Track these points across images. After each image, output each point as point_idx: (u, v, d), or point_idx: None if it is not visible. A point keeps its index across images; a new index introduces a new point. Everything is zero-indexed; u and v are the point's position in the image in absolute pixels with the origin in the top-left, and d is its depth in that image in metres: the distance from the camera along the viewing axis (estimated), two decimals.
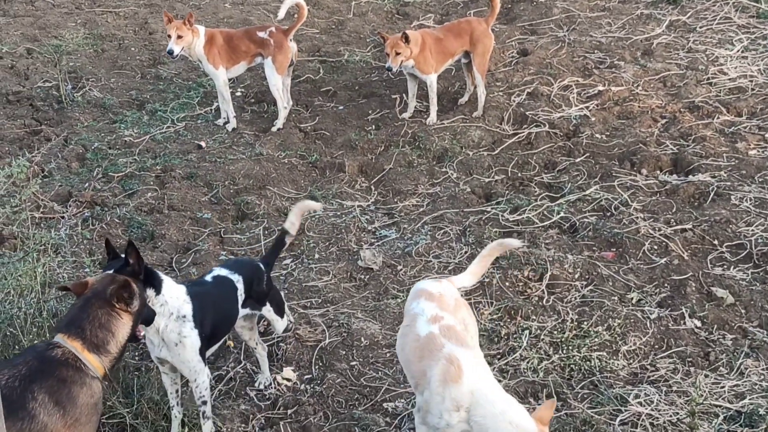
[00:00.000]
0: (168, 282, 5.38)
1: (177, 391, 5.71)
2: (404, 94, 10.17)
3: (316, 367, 6.49)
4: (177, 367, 5.53)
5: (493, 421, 4.76)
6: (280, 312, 6.26)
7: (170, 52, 9.57)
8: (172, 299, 5.35)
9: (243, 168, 9.10)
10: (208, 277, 5.88)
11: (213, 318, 5.59)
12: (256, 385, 6.27)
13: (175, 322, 5.34)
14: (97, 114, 10.48)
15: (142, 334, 5.13)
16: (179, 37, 9.49)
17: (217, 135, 9.98)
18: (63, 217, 8.21)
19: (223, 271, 5.89)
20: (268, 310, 6.14)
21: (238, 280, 5.84)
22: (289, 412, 6.05)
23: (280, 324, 6.31)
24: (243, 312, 5.95)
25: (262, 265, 6.15)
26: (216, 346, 5.88)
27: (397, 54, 9.41)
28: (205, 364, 5.54)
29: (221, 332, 5.79)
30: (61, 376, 4.54)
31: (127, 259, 5.08)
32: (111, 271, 5.01)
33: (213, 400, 6.02)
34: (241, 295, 5.84)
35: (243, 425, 5.86)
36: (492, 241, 7.72)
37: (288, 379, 6.34)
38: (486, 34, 9.87)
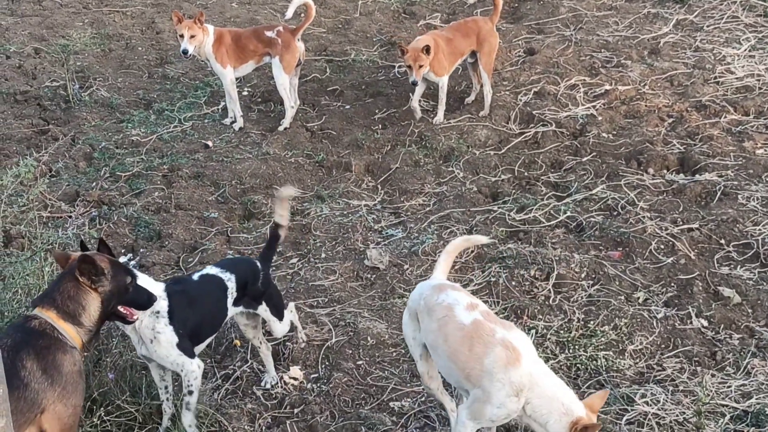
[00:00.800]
0: (143, 279, 5.44)
1: (166, 387, 5.77)
2: (411, 95, 10.13)
3: (323, 366, 6.50)
4: (159, 363, 5.61)
5: (548, 403, 4.83)
6: (277, 313, 6.17)
7: (184, 52, 9.58)
8: None
9: (250, 167, 9.11)
10: (195, 276, 5.93)
11: (194, 315, 5.63)
12: (263, 384, 6.29)
13: (149, 318, 5.43)
14: (104, 113, 10.51)
15: (135, 317, 5.23)
16: (192, 36, 9.51)
17: (224, 134, 9.99)
18: (70, 217, 8.23)
19: (213, 270, 5.92)
20: (264, 310, 6.08)
21: (228, 279, 5.84)
22: (296, 411, 6.06)
23: (277, 326, 6.21)
24: (236, 310, 5.97)
25: (258, 263, 6.14)
26: (205, 343, 5.88)
27: (420, 67, 9.40)
28: (191, 356, 5.57)
29: (207, 329, 5.81)
30: (44, 344, 4.72)
31: None
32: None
33: (220, 399, 6.05)
34: (232, 294, 5.84)
35: (250, 424, 5.87)
36: (498, 241, 7.76)
37: (294, 378, 6.35)
38: (492, 33, 9.88)
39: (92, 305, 4.94)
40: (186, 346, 5.54)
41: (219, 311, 5.83)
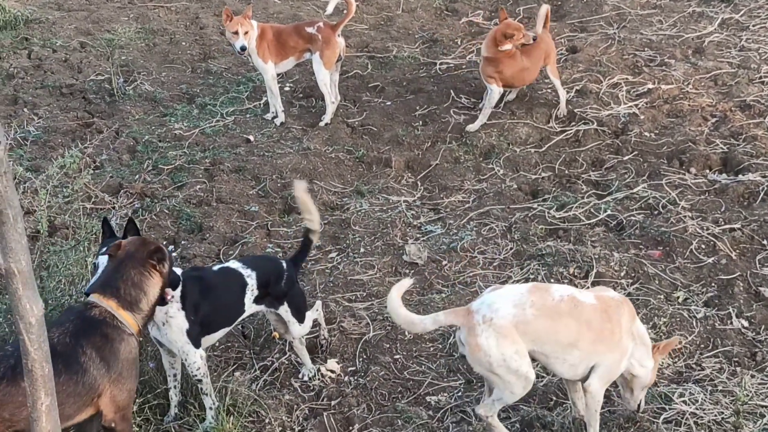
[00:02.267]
0: None
1: (175, 375, 5.89)
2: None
3: (360, 359, 6.54)
4: (168, 347, 5.71)
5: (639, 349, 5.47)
6: (298, 315, 6.15)
7: (243, 48, 9.61)
8: None
9: (290, 162, 9.17)
10: (216, 267, 6.03)
11: (206, 305, 5.70)
12: (301, 376, 6.33)
13: None
14: (147, 107, 10.61)
15: (170, 296, 5.37)
16: (246, 32, 9.59)
17: (265, 129, 10.06)
18: (113, 208, 8.34)
19: (234, 264, 5.99)
20: (285, 311, 6.08)
21: (249, 275, 5.89)
22: (333, 403, 6.11)
23: (296, 328, 6.18)
24: (256, 308, 6.01)
25: (284, 264, 6.16)
26: (218, 335, 5.95)
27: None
28: (196, 346, 5.64)
29: (219, 321, 5.87)
30: (103, 332, 4.91)
31: (126, 235, 5.38)
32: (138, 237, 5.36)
33: (258, 390, 6.09)
34: (252, 291, 5.89)
35: (287, 415, 5.92)
36: (537, 239, 7.74)
37: (332, 371, 6.39)
38: (551, 44, 9.80)
39: (153, 290, 5.12)
40: (194, 335, 5.63)
41: (234, 305, 5.88)
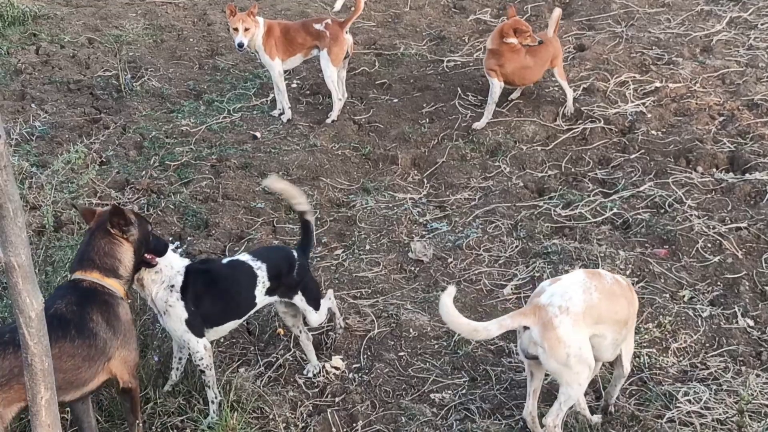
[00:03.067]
0: (169, 254, 5.66)
1: (180, 359, 6.04)
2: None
3: (365, 356, 6.54)
4: (171, 335, 5.86)
5: None
6: (314, 303, 6.17)
7: (240, 45, 9.64)
8: (166, 269, 5.65)
9: (297, 159, 9.17)
10: (225, 260, 6.10)
11: (212, 297, 5.76)
12: (305, 372, 6.33)
13: (164, 291, 5.63)
14: (155, 103, 10.63)
15: (155, 262, 5.54)
16: (246, 29, 9.59)
17: (272, 126, 10.06)
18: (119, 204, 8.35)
19: (244, 257, 6.01)
20: (300, 299, 6.09)
21: (259, 267, 5.90)
22: (337, 400, 6.11)
23: (313, 316, 6.20)
24: (272, 299, 6.04)
25: (295, 253, 6.16)
26: (227, 327, 5.98)
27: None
28: (198, 335, 5.70)
29: (228, 314, 5.90)
30: (102, 299, 5.09)
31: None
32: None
33: (262, 386, 6.09)
34: (263, 283, 5.90)
35: (291, 411, 5.92)
36: (543, 236, 7.74)
37: (336, 368, 6.39)
38: (558, 47, 9.79)
39: (126, 256, 5.27)
40: (195, 325, 5.68)
41: (243, 298, 5.90)
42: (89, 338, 4.94)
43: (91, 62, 11.56)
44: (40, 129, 9.68)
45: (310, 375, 6.30)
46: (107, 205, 8.16)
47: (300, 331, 6.29)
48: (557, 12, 9.88)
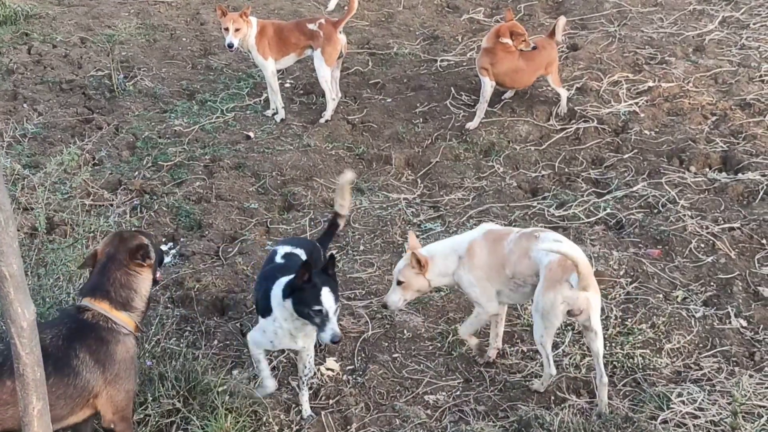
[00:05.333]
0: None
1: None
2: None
3: (359, 358, 6.53)
4: None
5: None
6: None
7: (230, 46, 9.64)
8: None
9: (290, 159, 9.16)
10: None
11: None
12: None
13: None
14: (147, 103, 10.61)
15: (162, 279, 5.61)
16: (237, 29, 9.57)
17: (265, 126, 10.05)
18: (112, 205, 8.33)
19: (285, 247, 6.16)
20: None
21: (301, 254, 6.08)
22: (331, 402, 6.10)
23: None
24: None
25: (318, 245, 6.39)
26: None
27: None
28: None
29: None
30: (98, 336, 4.89)
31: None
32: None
33: (255, 388, 6.07)
34: None
35: (285, 414, 5.90)
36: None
37: (331, 370, 6.38)
38: (554, 55, 9.78)
39: (144, 285, 5.11)
40: None
41: None
42: (68, 376, 4.76)
43: (83, 62, 11.54)
44: (33, 130, 9.65)
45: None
46: (101, 209, 8.15)
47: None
48: (562, 20, 9.91)
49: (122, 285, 5.02)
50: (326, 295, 5.28)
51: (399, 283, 6.16)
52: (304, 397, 5.95)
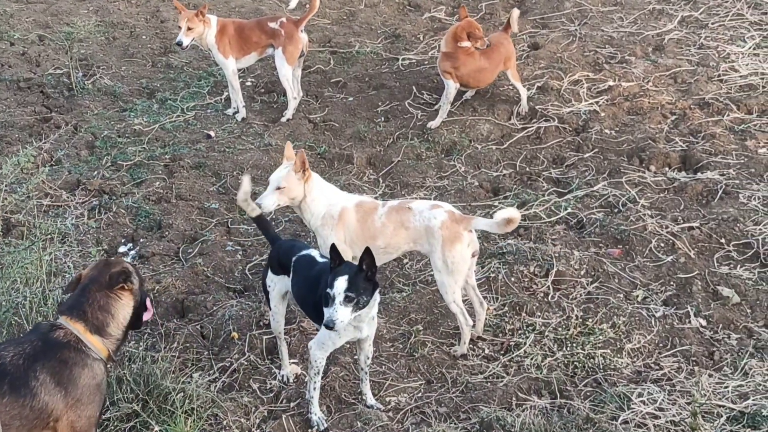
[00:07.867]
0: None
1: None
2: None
3: None
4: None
5: None
6: None
7: (179, 44, 9.61)
8: None
9: (252, 158, 9.11)
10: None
11: None
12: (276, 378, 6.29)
13: None
14: (107, 102, 10.51)
15: (146, 319, 5.27)
16: (189, 29, 9.51)
17: (226, 125, 9.99)
18: (69, 206, 8.23)
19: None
20: None
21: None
22: (292, 405, 6.06)
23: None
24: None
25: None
26: None
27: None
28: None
29: None
30: (63, 357, 4.76)
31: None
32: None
33: (216, 391, 6.02)
34: None
35: (245, 417, 5.86)
36: (498, 237, 7.74)
37: (294, 373, 6.34)
38: (511, 49, 9.79)
39: (122, 312, 5.01)
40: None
41: None
42: (24, 397, 4.61)
43: (41, 60, 11.41)
44: None
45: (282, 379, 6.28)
46: (59, 209, 8.05)
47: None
48: (516, 12, 9.93)
49: (100, 307, 4.93)
50: (340, 281, 5.31)
51: (278, 188, 6.47)
52: (367, 386, 6.05)
